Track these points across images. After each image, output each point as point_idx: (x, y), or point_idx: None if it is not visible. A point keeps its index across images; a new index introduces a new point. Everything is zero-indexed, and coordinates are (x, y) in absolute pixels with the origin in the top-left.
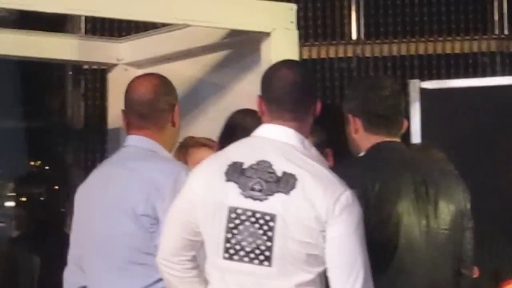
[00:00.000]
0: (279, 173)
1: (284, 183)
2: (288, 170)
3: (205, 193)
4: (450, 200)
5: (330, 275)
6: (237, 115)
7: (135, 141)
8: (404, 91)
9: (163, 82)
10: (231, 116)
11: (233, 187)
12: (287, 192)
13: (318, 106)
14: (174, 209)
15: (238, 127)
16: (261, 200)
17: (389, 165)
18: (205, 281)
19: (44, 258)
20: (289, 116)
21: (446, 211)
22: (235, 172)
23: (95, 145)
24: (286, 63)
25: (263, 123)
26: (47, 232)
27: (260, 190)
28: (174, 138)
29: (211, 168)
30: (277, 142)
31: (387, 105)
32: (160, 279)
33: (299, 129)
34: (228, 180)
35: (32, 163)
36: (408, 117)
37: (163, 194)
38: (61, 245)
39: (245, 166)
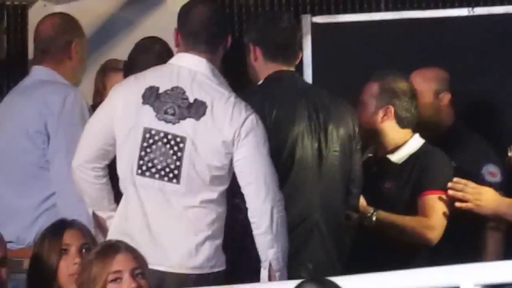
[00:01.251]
0: (191, 100)
1: (195, 109)
2: (199, 97)
3: (123, 111)
4: (339, 125)
5: (245, 191)
6: (147, 40)
7: (36, 71)
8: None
9: (63, 21)
10: (146, 43)
11: (148, 110)
12: (197, 118)
13: (229, 40)
14: (94, 120)
15: (148, 50)
16: (173, 123)
17: (285, 92)
18: (111, 198)
19: None
20: (204, 47)
21: (336, 134)
22: (152, 96)
23: (17, 75)
24: (201, 0)
25: (178, 53)
26: None
27: (173, 114)
28: (74, 70)
29: (130, 89)
30: (191, 71)
31: (285, 36)
32: (52, 194)
33: (211, 60)
34: (145, 103)
35: None
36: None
37: (52, 110)
38: None
39: (160, 91)
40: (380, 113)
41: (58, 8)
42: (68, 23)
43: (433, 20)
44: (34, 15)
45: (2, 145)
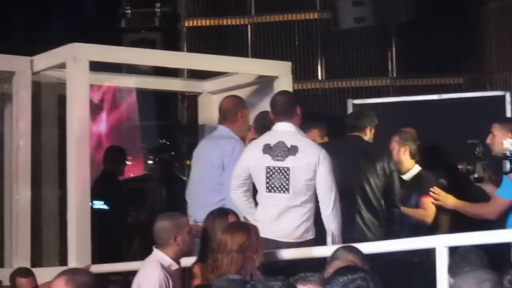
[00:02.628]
0: (289, 146)
1: (293, 150)
2: (293, 144)
3: (253, 160)
4: (376, 160)
5: (319, 191)
6: (265, 114)
7: (219, 128)
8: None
9: (234, 100)
10: (263, 114)
11: (267, 156)
12: (294, 154)
13: (299, 111)
14: (237, 167)
15: (267, 120)
16: (282, 161)
17: (346, 145)
18: (252, 206)
19: (170, 189)
20: (285, 119)
21: (372, 166)
22: (267, 148)
23: (192, 134)
24: (280, 92)
25: (275, 122)
26: (168, 175)
27: (281, 156)
28: (241, 129)
29: (255, 147)
30: (284, 131)
31: (351, 119)
32: (224, 198)
33: (292, 123)
34: (264, 153)
35: (161, 141)
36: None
37: (227, 153)
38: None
39: (271, 145)
40: (402, 150)
41: (215, 97)
42: (237, 101)
43: (419, 101)
44: (202, 100)
45: (199, 170)
